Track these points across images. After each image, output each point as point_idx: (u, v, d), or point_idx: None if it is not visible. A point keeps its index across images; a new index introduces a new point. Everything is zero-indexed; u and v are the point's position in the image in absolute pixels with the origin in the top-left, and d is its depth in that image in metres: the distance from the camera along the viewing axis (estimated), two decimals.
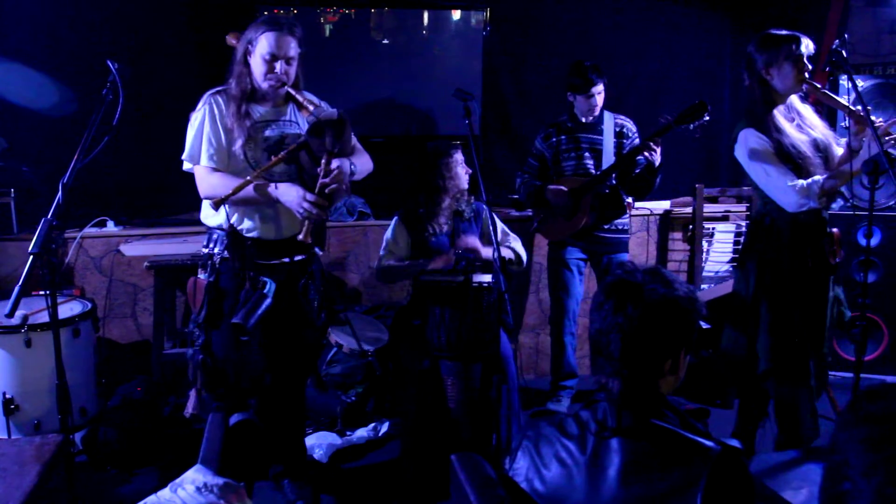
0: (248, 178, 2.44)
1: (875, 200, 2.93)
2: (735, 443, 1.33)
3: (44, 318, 2.98)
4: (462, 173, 3.22)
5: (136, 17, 3.92)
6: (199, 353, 2.56)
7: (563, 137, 3.65)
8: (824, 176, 2.57)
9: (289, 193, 2.47)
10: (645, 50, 4.62)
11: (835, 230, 2.70)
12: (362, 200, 4.16)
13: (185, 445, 3.04)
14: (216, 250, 2.58)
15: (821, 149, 2.67)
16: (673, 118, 3.19)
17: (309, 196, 2.44)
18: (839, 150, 2.70)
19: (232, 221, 2.57)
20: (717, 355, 3.94)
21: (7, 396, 2.90)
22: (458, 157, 3.22)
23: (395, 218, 3.29)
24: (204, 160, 2.53)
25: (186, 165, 2.60)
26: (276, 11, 4.08)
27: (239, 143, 2.50)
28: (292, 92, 2.54)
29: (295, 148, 2.49)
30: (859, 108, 2.54)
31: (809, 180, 2.56)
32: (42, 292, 2.62)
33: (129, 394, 3.42)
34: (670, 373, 1.42)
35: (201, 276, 2.58)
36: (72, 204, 2.24)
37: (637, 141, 3.62)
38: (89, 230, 3.77)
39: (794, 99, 2.71)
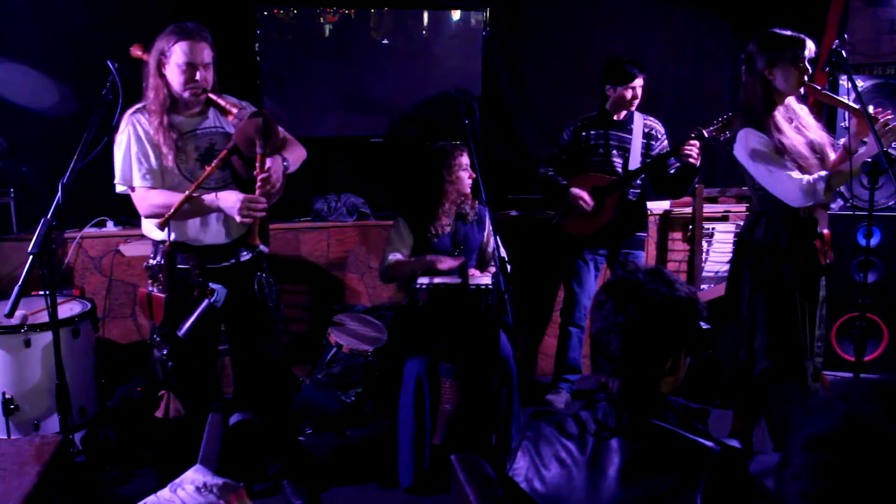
0: (187, 192, 2.44)
1: (875, 200, 2.93)
2: (735, 443, 1.33)
3: (43, 318, 2.98)
4: (465, 177, 3.18)
5: (136, 17, 3.91)
6: (168, 361, 2.60)
7: (591, 133, 3.67)
8: (827, 172, 2.57)
9: (228, 199, 2.48)
10: (645, 50, 4.61)
11: (825, 231, 2.69)
12: (362, 200, 4.16)
13: (185, 445, 3.04)
14: (164, 262, 2.58)
15: (816, 150, 2.67)
16: (706, 129, 3.18)
17: (248, 198, 2.45)
18: (832, 156, 2.70)
19: (174, 235, 2.56)
20: (715, 356, 3.94)
21: (7, 396, 2.90)
22: (463, 159, 3.17)
23: (400, 217, 3.27)
24: (137, 181, 2.52)
25: (120, 188, 2.57)
26: (275, 11, 4.08)
27: (170, 158, 2.48)
28: (213, 97, 2.53)
29: (226, 154, 2.49)
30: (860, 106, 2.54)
31: (815, 175, 2.55)
32: (42, 292, 2.62)
33: (128, 394, 3.42)
34: (670, 373, 1.42)
35: (152, 288, 2.58)
36: (72, 204, 2.24)
37: (665, 143, 3.67)
38: (89, 230, 3.76)
39: (790, 99, 2.70)
